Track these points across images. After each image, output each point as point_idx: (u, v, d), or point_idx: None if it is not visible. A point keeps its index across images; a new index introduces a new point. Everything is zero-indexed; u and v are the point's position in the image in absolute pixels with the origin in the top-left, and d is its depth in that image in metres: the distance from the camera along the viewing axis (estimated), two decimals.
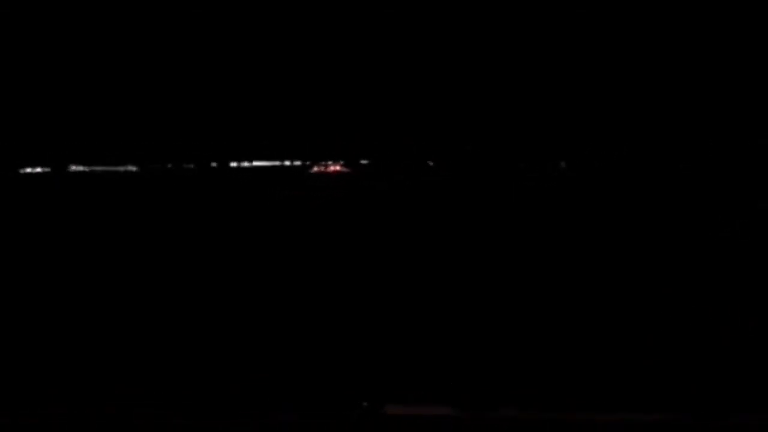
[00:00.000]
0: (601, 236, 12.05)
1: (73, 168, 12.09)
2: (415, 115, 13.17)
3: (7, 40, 10.65)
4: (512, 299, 9.64)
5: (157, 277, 11.26)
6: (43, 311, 9.47)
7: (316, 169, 13.65)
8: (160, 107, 12.73)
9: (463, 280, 11.18)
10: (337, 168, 12.87)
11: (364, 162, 13.47)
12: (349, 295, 10.11)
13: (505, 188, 13.02)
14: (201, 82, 12.90)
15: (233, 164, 12.52)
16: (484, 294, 9.98)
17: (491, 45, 12.02)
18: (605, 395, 6.78)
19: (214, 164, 12.30)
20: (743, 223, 11.24)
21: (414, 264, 11.59)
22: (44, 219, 11.79)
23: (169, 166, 12.33)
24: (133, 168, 11.87)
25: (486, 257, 11.65)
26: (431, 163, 13.54)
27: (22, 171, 11.72)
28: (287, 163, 12.93)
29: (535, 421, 6.18)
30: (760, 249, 10.58)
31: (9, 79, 11.01)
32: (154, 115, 12.70)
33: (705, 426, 6.25)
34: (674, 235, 11.95)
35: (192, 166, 12.40)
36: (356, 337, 8.27)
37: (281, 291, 10.42)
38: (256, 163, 12.61)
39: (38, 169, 11.57)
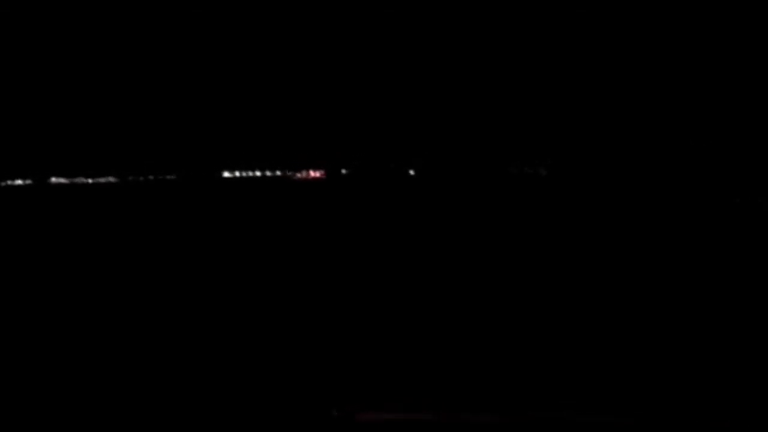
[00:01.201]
0: (579, 242, 12.03)
1: (54, 180, 12.01)
2: (399, 126, 13.03)
3: None
4: (486, 307, 9.70)
5: (135, 284, 11.20)
6: (22, 318, 9.47)
7: (298, 176, 13.51)
8: (144, 120, 12.61)
9: (438, 287, 11.19)
10: (317, 175, 12.77)
11: (344, 171, 13.30)
12: (324, 300, 10.16)
13: (484, 197, 12.94)
14: (184, 96, 12.79)
15: (215, 174, 12.40)
16: (458, 302, 10.04)
17: (470, 62, 11.97)
18: (571, 398, 6.84)
19: (197, 174, 12.17)
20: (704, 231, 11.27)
21: (390, 270, 11.58)
22: (26, 229, 11.72)
23: (151, 177, 12.22)
24: (113, 179, 11.80)
25: (461, 265, 11.65)
26: (412, 173, 13.38)
27: (3, 184, 11.64)
28: (269, 173, 12.80)
29: (503, 424, 6.22)
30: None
31: None
32: (138, 128, 12.55)
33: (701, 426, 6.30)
34: (651, 238, 11.93)
35: (174, 176, 12.26)
36: (329, 344, 8.30)
37: (259, 297, 10.45)
38: (237, 174, 12.49)
39: (19, 182, 11.51)
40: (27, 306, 10.51)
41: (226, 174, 11.43)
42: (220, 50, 10.62)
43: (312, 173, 11.48)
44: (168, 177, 11.55)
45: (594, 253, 11.83)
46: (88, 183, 11.34)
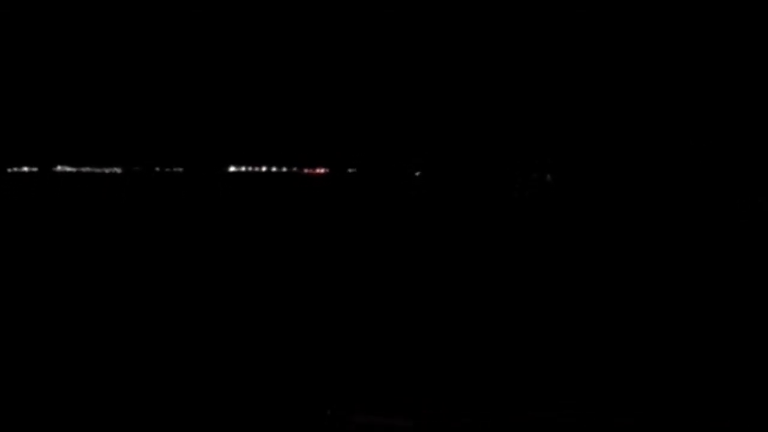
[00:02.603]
0: (579, 241, 12.03)
1: (60, 168, 12.04)
2: (406, 128, 13.06)
3: None
4: (486, 308, 9.68)
5: (138, 277, 11.23)
6: (24, 308, 9.47)
7: (304, 172, 13.51)
8: (153, 114, 12.63)
9: (438, 288, 11.18)
10: (322, 172, 12.77)
11: (351, 170, 13.32)
12: (323, 299, 10.14)
13: (488, 200, 12.92)
14: (193, 89, 12.84)
15: (222, 168, 12.43)
16: (458, 303, 10.01)
17: (475, 67, 11.99)
18: (571, 398, 6.82)
19: (204, 168, 12.18)
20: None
21: (391, 271, 11.57)
22: (30, 217, 11.76)
23: (157, 169, 12.24)
24: (118, 170, 11.81)
25: (463, 267, 11.63)
26: (418, 174, 13.44)
27: (9, 170, 11.68)
28: (274, 168, 12.82)
29: (503, 425, 6.20)
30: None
31: None
32: (147, 121, 12.59)
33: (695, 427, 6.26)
34: (644, 246, 11.90)
35: (181, 169, 12.31)
36: (326, 343, 8.29)
37: (258, 295, 10.44)
38: (243, 168, 12.57)
39: (25, 169, 11.55)
40: (27, 295, 10.49)
41: (232, 168, 11.33)
42: (231, 47, 10.65)
43: (318, 170, 11.38)
44: (175, 169, 11.48)
45: (594, 253, 11.80)
46: (93, 172, 11.23)
